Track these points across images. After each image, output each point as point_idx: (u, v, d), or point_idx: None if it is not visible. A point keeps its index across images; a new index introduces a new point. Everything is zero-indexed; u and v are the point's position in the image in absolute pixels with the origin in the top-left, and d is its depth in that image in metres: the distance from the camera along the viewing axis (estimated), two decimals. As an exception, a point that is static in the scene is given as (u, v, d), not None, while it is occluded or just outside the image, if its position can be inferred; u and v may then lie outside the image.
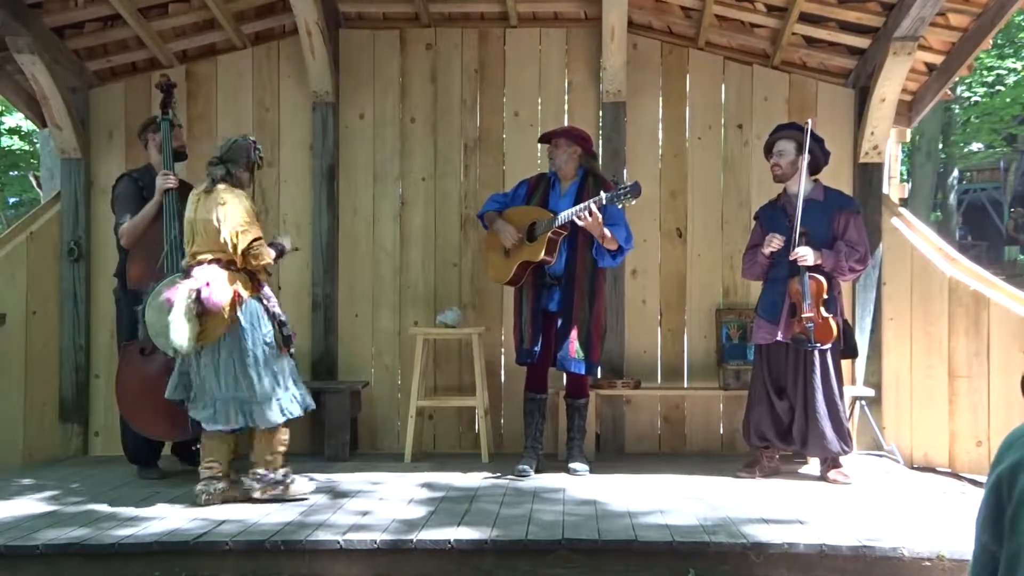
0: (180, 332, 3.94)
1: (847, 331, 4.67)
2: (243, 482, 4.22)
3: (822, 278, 4.52)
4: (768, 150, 4.78)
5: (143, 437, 4.76)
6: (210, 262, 4.12)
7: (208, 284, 4.04)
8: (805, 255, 4.50)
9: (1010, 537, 1.02)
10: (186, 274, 4.14)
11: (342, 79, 5.71)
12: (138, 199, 4.80)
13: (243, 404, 4.15)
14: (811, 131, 4.59)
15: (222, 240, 4.10)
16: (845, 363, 5.40)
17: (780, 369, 4.66)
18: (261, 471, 4.20)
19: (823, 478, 4.65)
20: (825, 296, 4.52)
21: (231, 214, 4.10)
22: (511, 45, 5.79)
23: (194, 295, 3.99)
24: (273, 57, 5.80)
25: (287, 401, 4.22)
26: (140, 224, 4.74)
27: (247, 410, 4.15)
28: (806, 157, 4.56)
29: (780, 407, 4.65)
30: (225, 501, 4.15)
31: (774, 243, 4.60)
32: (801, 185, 4.58)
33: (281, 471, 4.24)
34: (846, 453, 4.62)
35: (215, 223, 4.10)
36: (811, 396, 4.55)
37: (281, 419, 4.19)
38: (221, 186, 4.19)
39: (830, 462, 4.67)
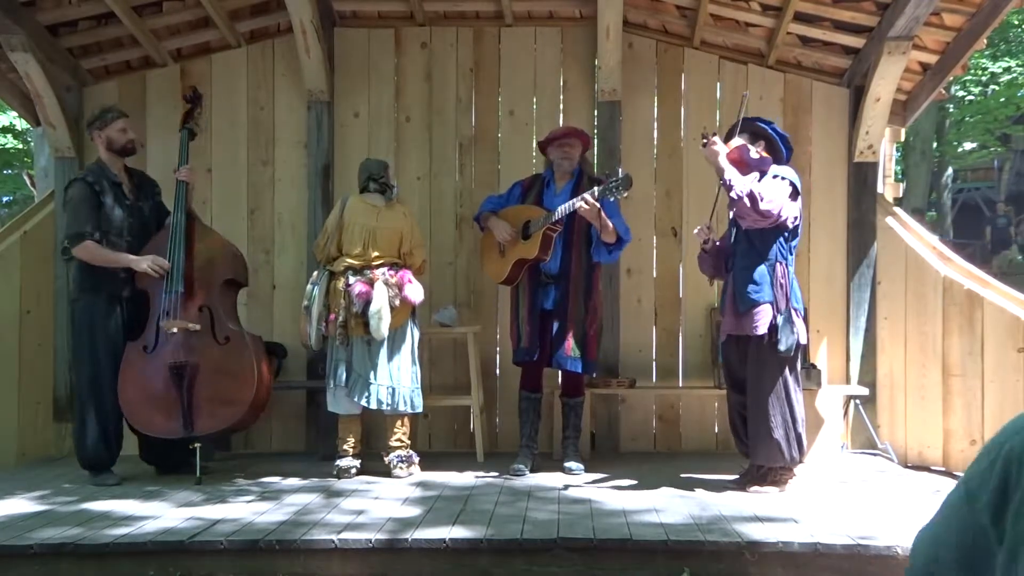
0: (386, 321, 4.53)
1: (773, 328, 4.16)
2: (388, 462, 4.74)
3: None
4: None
5: (104, 441, 4.62)
6: (393, 265, 4.68)
7: (410, 281, 4.67)
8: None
9: (1014, 525, 1.00)
10: (357, 272, 4.62)
11: (337, 78, 5.70)
12: (94, 203, 4.61)
13: (394, 390, 4.68)
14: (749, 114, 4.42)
15: (405, 250, 4.74)
16: (840, 363, 5.44)
17: (732, 362, 4.44)
18: (404, 452, 4.76)
19: (742, 488, 4.35)
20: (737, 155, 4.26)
21: (415, 229, 4.83)
22: (506, 44, 5.79)
23: (396, 290, 4.57)
24: (268, 55, 5.79)
25: (419, 394, 4.81)
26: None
27: (396, 395, 4.69)
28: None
29: (737, 401, 4.42)
30: (360, 473, 4.72)
31: (699, 233, 4.48)
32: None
33: (411, 451, 4.81)
34: (795, 463, 4.28)
35: (399, 234, 4.73)
36: (758, 395, 4.23)
37: (421, 407, 4.83)
38: (397, 203, 4.87)
39: (765, 473, 4.32)
